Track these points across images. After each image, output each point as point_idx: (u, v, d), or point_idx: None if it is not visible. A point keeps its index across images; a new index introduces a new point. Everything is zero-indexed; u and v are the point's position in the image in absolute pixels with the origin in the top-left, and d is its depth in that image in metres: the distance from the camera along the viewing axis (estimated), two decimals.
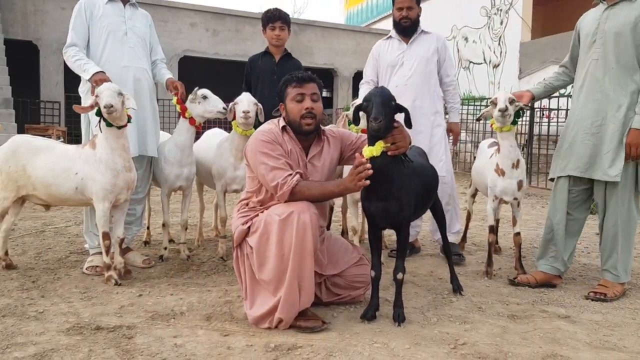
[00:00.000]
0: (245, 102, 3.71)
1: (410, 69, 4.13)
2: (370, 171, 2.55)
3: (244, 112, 3.66)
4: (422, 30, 4.22)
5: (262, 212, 2.73)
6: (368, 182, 2.57)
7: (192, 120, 3.88)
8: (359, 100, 4.20)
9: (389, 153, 2.63)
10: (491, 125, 3.57)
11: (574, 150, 3.37)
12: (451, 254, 3.47)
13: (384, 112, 2.54)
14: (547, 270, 3.48)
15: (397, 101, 2.67)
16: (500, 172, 3.55)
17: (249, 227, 2.73)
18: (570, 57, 3.57)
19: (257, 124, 3.71)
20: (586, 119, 3.31)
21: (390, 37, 4.28)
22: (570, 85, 3.63)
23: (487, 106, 3.66)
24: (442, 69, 4.23)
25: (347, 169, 4.09)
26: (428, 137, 4.13)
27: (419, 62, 4.13)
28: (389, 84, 4.14)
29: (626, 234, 3.28)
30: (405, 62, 4.15)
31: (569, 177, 3.41)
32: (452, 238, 4.13)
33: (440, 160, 4.13)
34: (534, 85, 3.76)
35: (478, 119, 3.82)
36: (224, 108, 3.81)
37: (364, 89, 4.27)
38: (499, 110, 3.32)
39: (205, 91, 3.87)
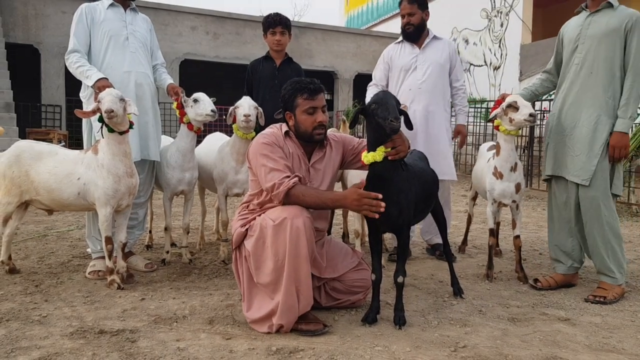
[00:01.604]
0: (246, 105, 3.73)
1: (424, 74, 4.16)
2: (383, 209, 2.53)
3: (244, 115, 3.68)
4: (434, 36, 4.26)
5: (259, 215, 2.75)
6: (377, 216, 2.56)
7: (189, 126, 3.90)
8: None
9: (390, 158, 2.65)
10: (496, 126, 3.58)
11: (554, 152, 3.49)
12: (451, 257, 3.49)
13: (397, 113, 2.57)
14: (564, 271, 3.54)
15: (411, 105, 2.69)
16: (499, 175, 3.57)
17: (247, 230, 2.76)
18: (554, 64, 3.67)
19: (258, 128, 3.74)
20: (563, 121, 3.43)
21: (402, 40, 4.31)
22: None
23: (487, 108, 3.68)
24: (452, 74, 4.27)
25: (349, 173, 4.12)
26: (439, 141, 4.17)
27: (433, 67, 4.17)
28: (401, 87, 4.18)
29: (611, 236, 3.29)
30: (418, 66, 4.19)
31: (564, 179, 3.47)
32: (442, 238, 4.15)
33: (449, 164, 4.18)
34: (520, 90, 3.86)
35: (489, 120, 3.81)
36: (212, 111, 3.78)
37: (372, 92, 4.30)
38: (531, 115, 3.31)
39: (196, 95, 3.87)
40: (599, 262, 3.34)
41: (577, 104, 3.36)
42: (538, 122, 8.92)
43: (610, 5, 3.30)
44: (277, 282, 2.61)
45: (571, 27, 3.48)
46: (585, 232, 3.38)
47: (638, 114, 4.07)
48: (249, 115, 3.68)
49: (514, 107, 3.42)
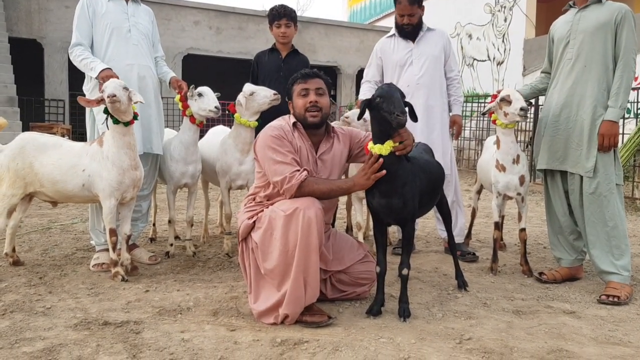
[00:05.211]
0: (264, 88, 3.76)
1: (421, 68, 4.09)
2: (379, 165, 2.61)
3: (274, 94, 3.69)
4: (427, 27, 4.20)
5: (267, 207, 2.75)
6: (384, 172, 2.62)
7: (192, 119, 3.89)
8: (362, 97, 4.20)
9: (397, 153, 2.64)
10: (494, 121, 3.59)
11: (549, 145, 3.51)
12: (456, 250, 3.48)
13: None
14: (570, 264, 3.55)
15: (410, 101, 2.72)
16: (501, 168, 3.57)
17: (254, 222, 2.75)
18: (549, 62, 3.69)
19: (261, 122, 3.69)
20: (559, 115, 3.44)
21: (395, 35, 4.23)
22: None
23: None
24: (446, 65, 4.21)
25: (353, 167, 4.10)
26: (440, 136, 4.13)
27: (429, 61, 4.10)
28: (398, 83, 4.09)
29: (618, 232, 3.28)
30: (414, 60, 4.11)
31: (559, 172, 3.51)
32: (457, 237, 4.12)
33: (449, 159, 4.15)
34: (522, 86, 3.87)
35: (484, 114, 3.84)
36: (215, 107, 3.77)
37: (367, 88, 4.26)
38: (522, 109, 3.34)
39: (202, 89, 3.85)
40: (603, 261, 3.29)
41: (572, 97, 3.38)
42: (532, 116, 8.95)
43: (599, 0, 3.35)
44: (285, 273, 2.61)
45: (560, 25, 3.54)
46: (587, 228, 3.36)
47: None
48: (278, 93, 3.68)
49: (507, 100, 3.45)
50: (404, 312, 2.75)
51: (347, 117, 3.91)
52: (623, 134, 7.17)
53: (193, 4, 15.54)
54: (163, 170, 4.03)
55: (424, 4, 4.13)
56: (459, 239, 4.15)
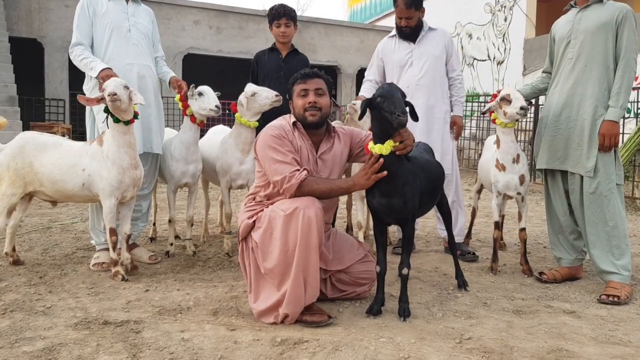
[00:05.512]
0: (265, 88, 3.76)
1: (422, 69, 4.08)
2: (380, 165, 2.63)
3: (276, 95, 3.69)
4: (429, 27, 4.18)
5: (267, 207, 2.75)
6: (384, 172, 2.63)
7: (192, 118, 3.89)
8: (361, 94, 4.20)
9: (397, 153, 2.64)
10: (493, 120, 3.59)
11: (549, 145, 3.51)
12: (456, 249, 3.48)
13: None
14: (570, 264, 3.55)
15: (411, 101, 2.73)
16: (501, 167, 3.57)
17: (254, 222, 2.75)
18: (550, 62, 3.69)
19: (262, 121, 3.70)
20: (559, 115, 3.45)
21: (396, 35, 4.23)
22: None
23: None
24: (448, 64, 4.19)
25: (356, 166, 4.10)
26: (440, 136, 4.12)
27: (430, 61, 4.08)
28: (398, 83, 4.08)
29: (618, 231, 3.28)
30: (414, 61, 4.10)
31: (560, 172, 3.52)
32: (457, 237, 4.11)
33: (450, 159, 4.14)
34: (522, 86, 3.86)
35: (483, 113, 3.84)
36: (216, 106, 3.76)
37: (367, 87, 4.26)
38: (522, 109, 3.34)
39: (202, 88, 3.84)
40: (603, 260, 3.30)
41: (573, 97, 3.38)
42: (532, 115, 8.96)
43: (600, 0, 3.36)
44: (285, 273, 2.61)
45: (562, 25, 3.54)
46: (587, 228, 3.36)
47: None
48: (279, 94, 3.68)
49: (507, 100, 3.45)
50: (404, 312, 2.75)
51: (354, 104, 3.90)
52: (623, 133, 7.18)
53: (193, 3, 15.53)
54: (163, 170, 4.03)
55: (424, 5, 4.10)
56: (459, 238, 4.15)
